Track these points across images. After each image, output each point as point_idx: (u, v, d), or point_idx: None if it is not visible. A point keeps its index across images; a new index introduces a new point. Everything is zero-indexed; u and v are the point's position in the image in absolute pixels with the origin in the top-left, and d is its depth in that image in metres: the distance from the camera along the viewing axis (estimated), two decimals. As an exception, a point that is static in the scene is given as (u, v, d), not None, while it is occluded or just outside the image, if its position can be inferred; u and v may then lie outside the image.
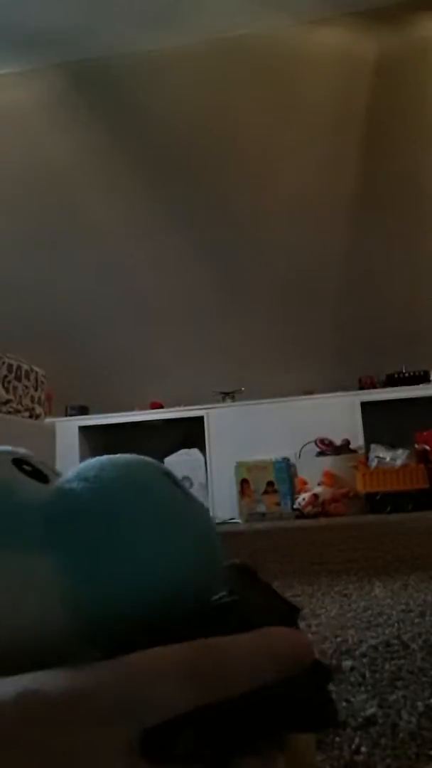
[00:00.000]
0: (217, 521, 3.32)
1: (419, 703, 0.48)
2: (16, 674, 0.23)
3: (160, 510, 0.27)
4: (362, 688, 0.53)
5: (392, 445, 3.25)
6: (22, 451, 0.31)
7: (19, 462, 0.30)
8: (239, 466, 3.43)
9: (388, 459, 3.17)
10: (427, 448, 3.18)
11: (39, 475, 0.30)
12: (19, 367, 2.28)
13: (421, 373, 3.55)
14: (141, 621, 0.26)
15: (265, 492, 3.38)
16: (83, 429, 3.71)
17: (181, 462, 3.59)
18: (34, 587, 0.25)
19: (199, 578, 0.27)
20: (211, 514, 0.31)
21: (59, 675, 0.21)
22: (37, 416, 2.36)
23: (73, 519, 0.26)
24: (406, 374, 3.58)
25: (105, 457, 0.29)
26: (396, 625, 0.74)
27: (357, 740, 0.41)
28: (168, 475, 0.30)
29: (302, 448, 3.41)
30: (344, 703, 0.50)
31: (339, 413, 3.43)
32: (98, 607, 0.25)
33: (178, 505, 0.28)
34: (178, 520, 0.28)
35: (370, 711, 0.47)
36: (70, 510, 0.27)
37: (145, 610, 0.26)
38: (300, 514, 3.17)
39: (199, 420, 3.61)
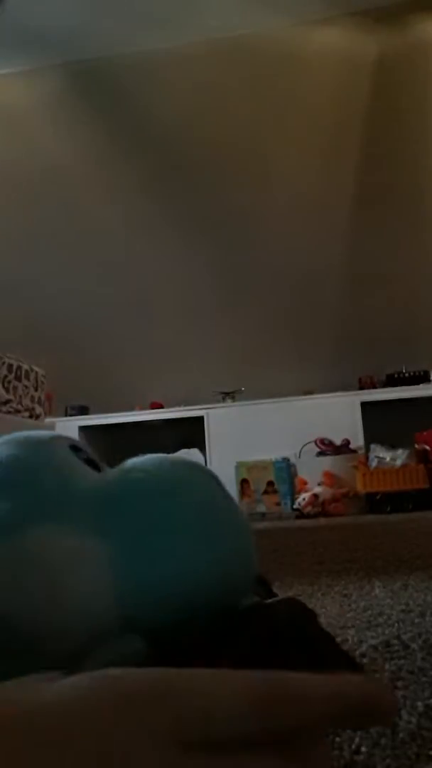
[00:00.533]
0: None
1: (419, 703, 0.48)
2: (60, 653, 0.23)
3: (207, 506, 0.28)
4: (362, 688, 0.53)
5: (392, 445, 3.24)
6: (74, 438, 0.33)
7: (74, 448, 0.31)
8: (239, 466, 3.43)
9: (388, 459, 3.17)
10: (427, 448, 3.18)
11: (92, 463, 0.31)
12: (19, 367, 2.28)
13: (421, 373, 3.55)
14: (182, 611, 0.26)
15: (265, 492, 3.38)
16: (83, 429, 3.71)
17: (181, 462, 3.59)
18: (85, 566, 0.25)
19: (236, 576, 0.28)
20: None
21: (123, 679, 0.22)
22: (37, 416, 2.36)
23: (128, 507, 0.28)
24: (406, 374, 3.58)
25: (162, 455, 0.31)
26: (396, 625, 0.74)
27: (357, 740, 0.41)
28: (215, 478, 0.31)
29: (302, 448, 3.41)
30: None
31: (339, 413, 3.43)
32: (143, 593, 0.26)
33: (224, 506, 0.29)
34: (223, 519, 0.29)
35: (370, 711, 0.47)
36: (126, 498, 0.28)
37: (187, 601, 0.26)
38: (300, 514, 3.17)
39: (199, 420, 3.61)
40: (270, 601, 0.28)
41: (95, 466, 0.31)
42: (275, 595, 0.31)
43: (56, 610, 0.24)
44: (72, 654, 0.24)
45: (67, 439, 0.32)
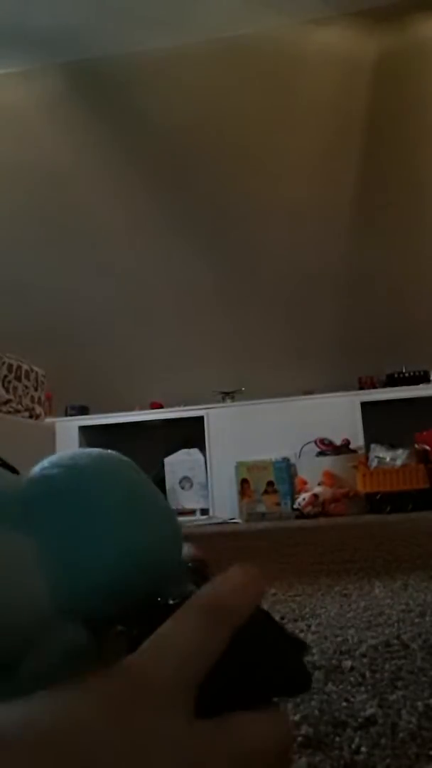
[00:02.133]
0: (217, 521, 3.32)
1: (419, 703, 0.48)
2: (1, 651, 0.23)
3: (130, 492, 0.29)
4: (362, 688, 0.53)
5: (392, 445, 3.25)
6: None
7: None
8: (239, 466, 3.43)
9: (388, 459, 3.17)
10: (427, 448, 3.18)
11: (8, 467, 0.32)
12: (19, 367, 2.28)
13: (421, 373, 3.55)
14: (116, 597, 0.27)
15: (265, 492, 3.38)
16: (83, 429, 3.71)
17: (181, 462, 3.59)
18: (15, 564, 0.26)
19: (166, 558, 0.29)
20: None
21: (120, 668, 0.23)
22: (37, 416, 2.36)
23: (50, 501, 0.28)
24: (406, 374, 3.58)
25: (77, 449, 0.31)
26: (396, 625, 0.74)
27: (357, 740, 0.41)
28: (133, 466, 0.32)
29: (302, 448, 3.41)
30: (344, 703, 0.50)
31: (339, 413, 3.43)
32: (76, 582, 0.27)
33: (145, 488, 0.30)
34: (146, 501, 0.29)
35: (370, 711, 0.47)
36: (47, 493, 0.28)
37: (120, 584, 0.27)
38: (300, 514, 3.17)
39: (199, 420, 3.61)
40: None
41: (10, 469, 0.32)
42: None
43: None
44: (12, 650, 0.24)
45: None
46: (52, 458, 0.31)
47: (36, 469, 0.30)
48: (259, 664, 0.26)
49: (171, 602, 0.27)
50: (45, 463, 0.31)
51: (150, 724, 0.21)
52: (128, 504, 0.29)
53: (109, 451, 0.32)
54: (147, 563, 0.28)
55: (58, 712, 0.21)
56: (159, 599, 0.27)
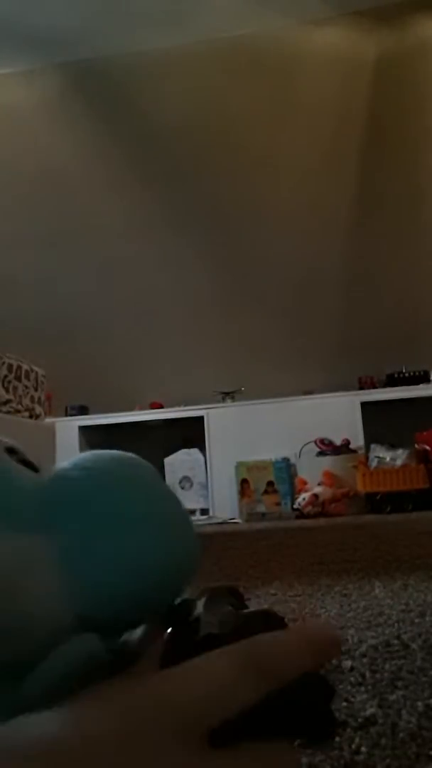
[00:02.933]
0: (217, 521, 3.32)
1: (419, 703, 0.48)
2: (14, 658, 0.23)
3: (152, 498, 0.29)
4: (362, 688, 0.53)
5: (392, 445, 3.24)
6: (9, 440, 0.32)
7: (10, 451, 0.31)
8: (239, 466, 3.43)
9: (388, 459, 3.17)
10: (427, 448, 3.18)
11: (28, 464, 0.31)
12: (19, 367, 2.28)
13: (421, 373, 3.55)
14: (136, 605, 0.27)
15: (265, 492, 3.38)
16: (83, 429, 3.71)
17: (181, 462, 3.59)
18: (33, 568, 0.25)
19: (186, 565, 0.28)
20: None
21: (138, 690, 0.23)
22: (37, 416, 2.36)
23: (71, 504, 0.27)
24: (406, 374, 3.58)
25: (99, 451, 0.31)
26: (396, 625, 0.74)
27: (357, 740, 0.41)
28: (153, 471, 0.31)
29: (302, 448, 3.40)
30: (344, 703, 0.50)
31: (339, 413, 3.43)
32: (94, 589, 0.26)
33: (167, 494, 0.30)
34: (167, 508, 0.29)
35: (370, 711, 0.47)
36: (68, 496, 0.28)
37: (138, 593, 0.27)
38: (300, 514, 3.17)
39: (199, 420, 3.61)
40: (246, 612, 0.28)
41: (32, 468, 0.31)
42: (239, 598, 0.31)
43: (5, 617, 0.24)
44: (27, 659, 0.24)
45: (1, 442, 0.32)
46: (75, 460, 0.30)
47: (57, 470, 0.30)
48: (286, 705, 0.25)
49: (216, 632, 0.26)
50: (67, 464, 0.30)
51: (165, 748, 0.21)
52: (150, 511, 0.28)
53: (131, 454, 0.31)
54: (167, 571, 0.27)
55: (75, 728, 0.21)
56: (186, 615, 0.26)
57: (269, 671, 0.24)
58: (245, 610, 0.29)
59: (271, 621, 0.28)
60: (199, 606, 0.28)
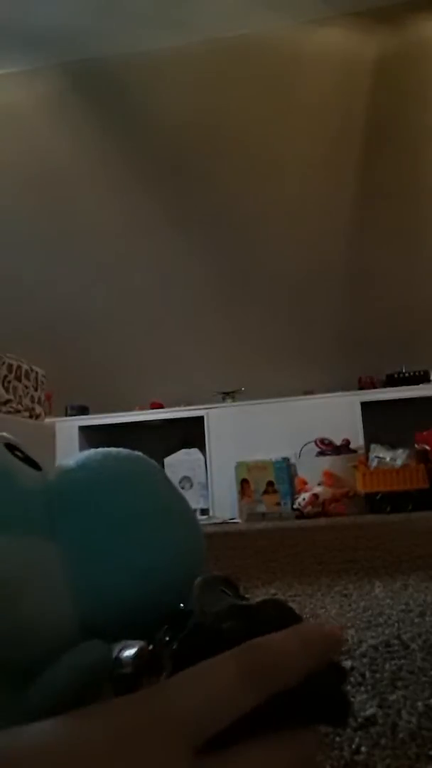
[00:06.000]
0: (217, 521, 3.32)
1: (419, 703, 0.48)
2: (20, 664, 0.23)
3: (160, 500, 0.28)
4: (362, 688, 0.53)
5: (392, 445, 3.24)
6: (9, 436, 0.31)
7: (11, 447, 0.30)
8: (239, 466, 3.43)
9: (388, 459, 3.17)
10: (427, 448, 3.18)
11: (30, 461, 0.30)
12: (19, 367, 2.28)
13: (421, 373, 3.55)
14: (142, 609, 0.26)
15: (265, 492, 3.38)
16: (83, 429, 3.71)
17: (181, 462, 3.59)
18: (38, 572, 0.25)
19: (192, 568, 0.27)
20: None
21: (131, 702, 0.23)
22: (37, 416, 2.36)
23: (76, 506, 0.27)
24: (406, 374, 3.58)
25: (105, 450, 0.30)
26: (396, 625, 0.74)
27: (357, 740, 0.41)
28: (160, 470, 0.30)
29: (302, 448, 3.40)
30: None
31: (339, 413, 3.43)
32: (100, 592, 0.25)
33: (174, 494, 0.29)
34: (174, 509, 0.28)
35: (370, 711, 0.47)
36: (73, 497, 0.27)
37: (144, 595, 0.26)
38: (300, 514, 3.17)
39: (199, 420, 3.61)
40: (253, 602, 0.28)
41: (34, 465, 0.30)
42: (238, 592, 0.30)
43: (10, 622, 0.24)
44: (33, 664, 0.24)
45: (1, 437, 0.31)
46: (80, 458, 0.29)
47: (62, 470, 0.29)
48: (297, 690, 0.24)
49: (224, 626, 0.25)
50: (71, 463, 0.29)
51: (161, 760, 0.21)
52: (157, 512, 0.28)
53: (136, 453, 0.31)
54: (174, 573, 0.27)
55: (68, 739, 0.21)
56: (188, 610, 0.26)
57: (270, 676, 0.24)
58: (253, 601, 0.28)
59: (284, 614, 0.27)
60: (194, 594, 0.27)
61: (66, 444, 3.29)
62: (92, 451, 0.30)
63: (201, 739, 0.22)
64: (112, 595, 0.26)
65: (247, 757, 0.23)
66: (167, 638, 0.25)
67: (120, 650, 0.26)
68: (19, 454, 0.30)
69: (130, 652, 0.25)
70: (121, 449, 0.31)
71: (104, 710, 0.22)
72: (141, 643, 0.26)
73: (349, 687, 0.54)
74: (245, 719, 0.23)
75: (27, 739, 0.20)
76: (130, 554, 0.26)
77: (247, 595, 0.30)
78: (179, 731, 0.22)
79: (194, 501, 3.53)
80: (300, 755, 0.24)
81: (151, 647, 0.26)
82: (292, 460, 3.41)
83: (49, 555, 0.25)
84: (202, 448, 3.60)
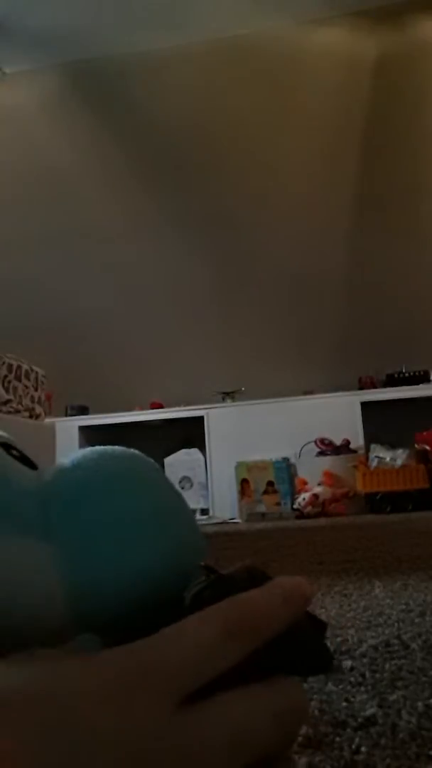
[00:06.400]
0: (217, 521, 3.32)
1: (419, 703, 0.48)
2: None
3: (157, 499, 0.28)
4: (362, 688, 0.53)
5: (392, 445, 3.24)
6: (5, 434, 0.31)
7: (6, 446, 0.30)
8: (239, 466, 3.43)
9: (388, 459, 3.17)
10: (427, 448, 3.18)
11: (26, 460, 0.30)
12: (19, 367, 2.28)
13: (421, 373, 3.55)
14: (135, 605, 0.26)
15: (265, 492, 3.38)
16: (83, 429, 3.71)
17: (181, 462, 3.59)
18: (34, 572, 0.25)
19: (187, 564, 0.28)
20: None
21: (119, 653, 0.23)
22: (37, 416, 2.36)
23: (72, 506, 0.27)
24: (406, 374, 3.58)
25: (101, 448, 0.30)
26: (396, 625, 0.74)
27: (357, 740, 0.41)
28: (157, 468, 0.30)
29: (302, 448, 3.41)
30: (344, 703, 0.50)
31: (339, 413, 3.43)
32: (94, 591, 0.25)
33: (171, 492, 0.29)
34: (171, 508, 0.28)
35: (370, 711, 0.47)
36: (69, 497, 0.27)
37: (141, 594, 0.26)
38: (300, 514, 3.17)
39: (199, 420, 3.61)
40: (226, 571, 0.28)
41: (30, 464, 0.30)
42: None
43: (5, 623, 0.24)
44: None
45: None
46: (77, 458, 0.29)
47: (58, 470, 0.29)
48: (280, 643, 0.25)
49: (204, 594, 0.26)
50: (68, 462, 0.29)
51: (145, 710, 0.21)
52: (155, 512, 0.27)
53: (133, 451, 0.30)
54: (170, 574, 0.27)
55: (56, 681, 0.21)
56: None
57: (250, 631, 0.24)
58: (228, 570, 0.28)
59: (256, 576, 0.28)
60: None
61: (66, 444, 3.29)
62: (88, 449, 0.30)
63: (187, 692, 0.22)
64: (107, 595, 0.26)
65: (230, 706, 0.23)
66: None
67: None
68: (15, 452, 0.30)
69: None
70: (116, 447, 0.30)
71: (94, 660, 0.22)
72: None
73: (349, 687, 0.54)
74: (230, 673, 0.23)
75: (15, 677, 0.21)
76: (126, 554, 0.26)
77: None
78: (166, 683, 0.22)
79: (194, 501, 3.53)
80: (285, 705, 0.25)
81: None
82: (292, 460, 3.42)
83: (43, 555, 0.25)
84: (202, 448, 3.60)
